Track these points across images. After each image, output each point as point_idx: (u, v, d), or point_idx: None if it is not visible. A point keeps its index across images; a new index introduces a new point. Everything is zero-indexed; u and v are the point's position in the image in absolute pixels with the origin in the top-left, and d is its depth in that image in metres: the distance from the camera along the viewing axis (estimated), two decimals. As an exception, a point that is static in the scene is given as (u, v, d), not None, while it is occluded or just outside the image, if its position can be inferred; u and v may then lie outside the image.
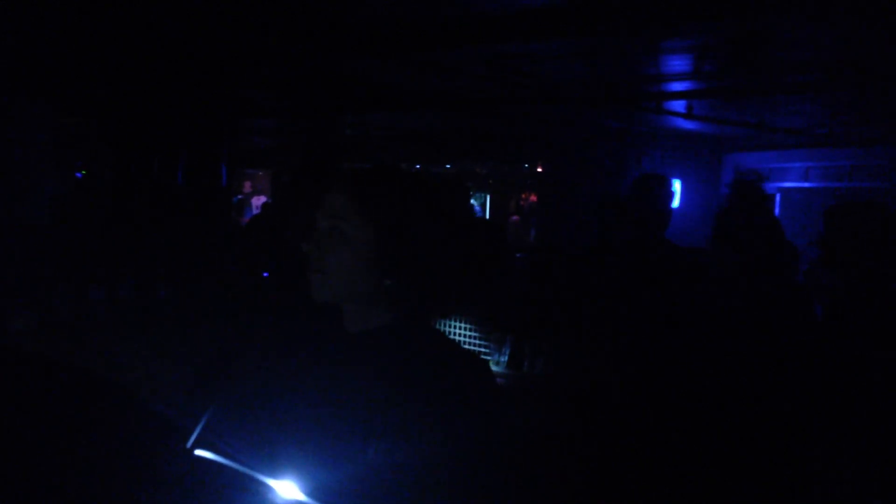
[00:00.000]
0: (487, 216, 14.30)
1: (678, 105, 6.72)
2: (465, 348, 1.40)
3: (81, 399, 0.90)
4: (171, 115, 7.49)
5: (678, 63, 5.04)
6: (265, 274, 4.15)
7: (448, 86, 6.31)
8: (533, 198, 13.60)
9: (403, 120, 9.02)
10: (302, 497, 0.88)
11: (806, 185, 8.89)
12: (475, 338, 3.53)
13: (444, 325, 3.55)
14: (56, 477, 0.84)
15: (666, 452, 2.53)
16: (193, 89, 6.62)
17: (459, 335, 3.54)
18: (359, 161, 12.03)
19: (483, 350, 3.49)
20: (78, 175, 8.97)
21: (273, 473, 0.89)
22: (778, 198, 9.28)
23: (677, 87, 5.84)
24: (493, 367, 3.43)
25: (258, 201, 13.14)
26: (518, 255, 4.63)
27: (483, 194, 14.84)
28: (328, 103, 7.50)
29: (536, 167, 12.14)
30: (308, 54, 5.05)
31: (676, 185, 8.99)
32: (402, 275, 1.31)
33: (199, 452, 0.88)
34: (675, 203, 8.64)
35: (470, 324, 3.55)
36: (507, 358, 3.50)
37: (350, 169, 1.41)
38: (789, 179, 9.06)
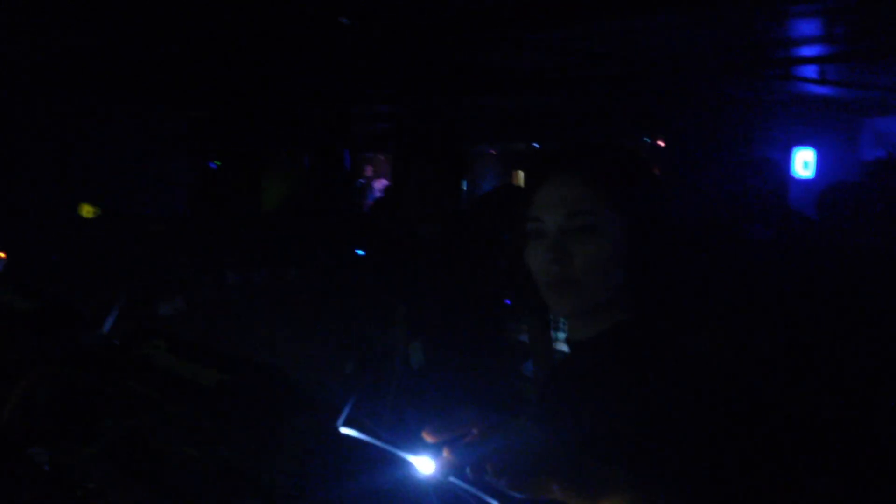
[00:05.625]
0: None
1: (809, 70, 6.38)
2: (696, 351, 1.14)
3: (235, 380, 0.98)
4: (297, 106, 7.79)
5: (807, 27, 4.80)
6: (360, 252, 4.25)
7: (564, 65, 6.24)
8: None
9: (518, 99, 8.99)
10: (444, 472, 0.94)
11: (956, 149, 8.25)
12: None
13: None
14: (210, 451, 0.93)
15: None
16: (316, 82, 6.85)
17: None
18: (474, 142, 12.06)
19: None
20: (212, 166, 9.48)
21: (412, 450, 0.95)
22: (923, 164, 8.66)
23: (807, 51, 5.55)
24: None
25: (380, 185, 13.42)
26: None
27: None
28: (447, 88, 7.58)
29: (658, 141, 11.80)
30: (428, 43, 5.12)
31: (810, 155, 8.57)
32: (653, 268, 1.13)
33: (344, 430, 0.95)
34: (811, 174, 8.24)
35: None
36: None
37: (564, 153, 1.18)
38: (936, 144, 8.44)
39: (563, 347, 3.37)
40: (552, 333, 3.19)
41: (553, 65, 6.31)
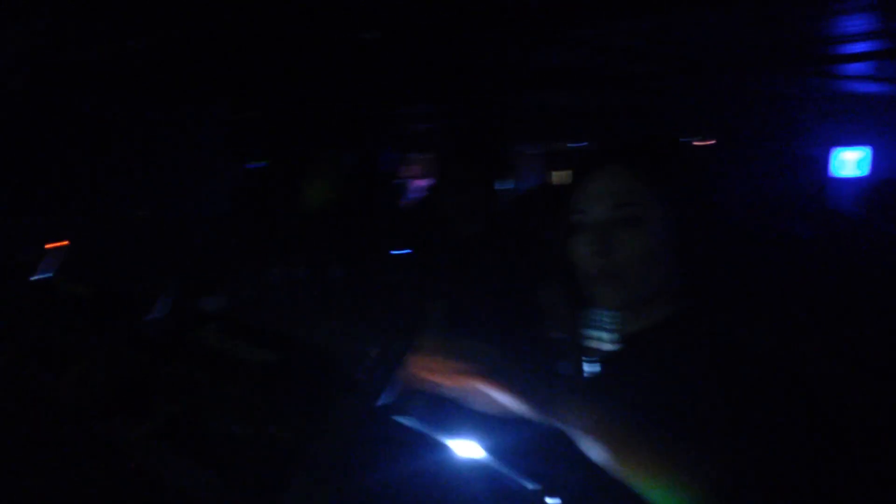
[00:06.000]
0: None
1: (861, 67, 6.24)
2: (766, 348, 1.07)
3: (283, 362, 1.02)
4: (337, 107, 7.86)
5: (858, 23, 4.70)
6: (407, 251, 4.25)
7: (606, 63, 6.20)
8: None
9: (560, 98, 8.94)
10: (482, 455, 0.96)
11: None
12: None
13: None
14: (258, 430, 0.97)
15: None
16: (355, 82, 6.90)
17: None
18: (515, 142, 12.01)
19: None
20: (254, 167, 9.58)
21: (454, 434, 0.97)
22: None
23: (859, 48, 5.43)
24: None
25: (419, 185, 13.43)
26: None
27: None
28: (487, 87, 7.58)
29: (705, 141, 11.63)
30: (467, 43, 5.12)
31: (865, 153, 8.40)
32: (703, 260, 1.12)
33: (386, 412, 0.97)
34: (866, 171, 8.07)
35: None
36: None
37: (611, 146, 1.19)
38: None
39: (607, 347, 3.34)
40: (606, 334, 3.17)
41: (595, 63, 6.27)
